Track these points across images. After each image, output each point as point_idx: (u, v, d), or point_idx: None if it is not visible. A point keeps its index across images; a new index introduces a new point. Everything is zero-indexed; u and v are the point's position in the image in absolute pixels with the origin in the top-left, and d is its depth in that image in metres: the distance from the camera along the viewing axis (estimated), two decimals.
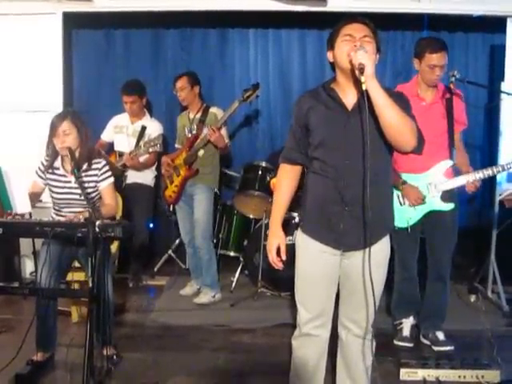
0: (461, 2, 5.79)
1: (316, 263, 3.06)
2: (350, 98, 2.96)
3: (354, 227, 2.95)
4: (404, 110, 2.83)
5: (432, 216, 4.36)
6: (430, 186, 4.31)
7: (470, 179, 4.28)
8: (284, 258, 3.10)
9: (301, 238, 3.14)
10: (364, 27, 2.91)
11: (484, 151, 6.86)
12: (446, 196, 4.33)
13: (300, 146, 3.09)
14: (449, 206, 4.34)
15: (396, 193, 4.30)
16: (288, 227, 5.32)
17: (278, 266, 3.11)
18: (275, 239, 3.12)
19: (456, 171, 4.39)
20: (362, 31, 2.89)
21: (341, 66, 2.90)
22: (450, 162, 4.35)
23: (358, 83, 2.80)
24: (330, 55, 3.00)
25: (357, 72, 2.72)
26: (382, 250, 3.07)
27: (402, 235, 4.34)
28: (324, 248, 3.03)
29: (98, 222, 3.43)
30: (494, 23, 6.20)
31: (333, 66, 3.02)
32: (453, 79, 4.24)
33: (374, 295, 2.87)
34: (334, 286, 3.13)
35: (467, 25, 6.53)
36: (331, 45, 2.97)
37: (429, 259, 4.52)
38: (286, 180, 3.18)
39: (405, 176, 4.29)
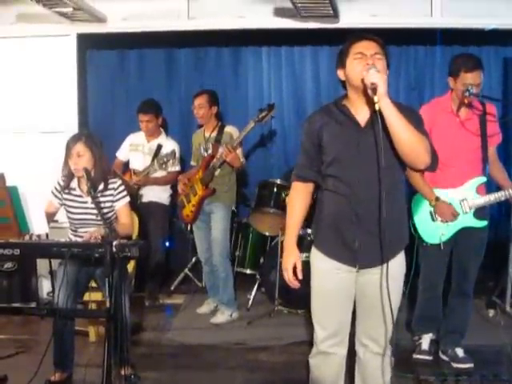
0: (473, 16, 5.79)
1: (331, 281, 3.05)
2: (362, 114, 2.96)
3: (369, 244, 2.94)
4: (416, 127, 2.83)
5: (463, 232, 4.30)
6: (463, 202, 4.25)
7: (503, 197, 4.23)
8: (300, 276, 3.08)
9: (315, 256, 3.13)
10: (374, 44, 2.91)
11: None
12: (479, 212, 4.28)
13: (312, 164, 3.08)
14: (481, 223, 4.29)
15: (429, 209, 4.28)
16: (303, 244, 5.35)
17: (295, 284, 3.10)
18: (291, 258, 3.11)
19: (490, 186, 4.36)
20: (373, 48, 2.89)
21: (353, 84, 2.91)
22: (483, 179, 4.29)
23: (370, 101, 2.81)
24: (340, 73, 3.00)
25: (369, 91, 2.74)
26: (397, 265, 3.05)
27: (431, 252, 4.31)
28: (339, 266, 3.02)
29: (115, 242, 3.45)
30: (506, 36, 6.20)
31: (343, 83, 3.02)
32: (467, 94, 4.21)
33: (391, 312, 2.86)
34: (350, 303, 3.12)
35: (480, 38, 6.50)
36: (342, 63, 2.97)
37: (454, 275, 4.46)
38: (298, 198, 3.17)
39: (437, 191, 4.24)
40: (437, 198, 4.23)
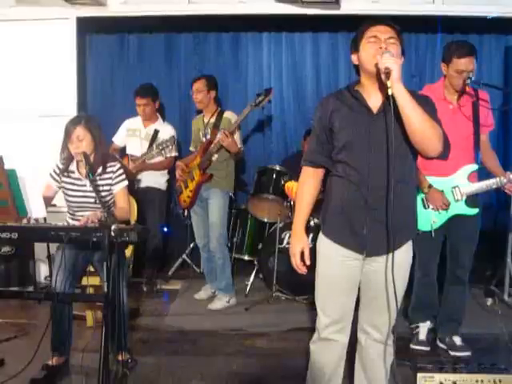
0: (475, 4, 5.78)
1: (338, 268, 3.04)
2: (374, 100, 2.92)
3: (378, 231, 2.92)
4: (430, 115, 2.80)
5: (455, 220, 4.32)
6: (455, 189, 4.27)
7: (495, 185, 4.24)
8: (308, 262, 3.08)
9: (323, 242, 3.11)
10: (389, 29, 2.87)
11: (499, 153, 6.78)
12: (471, 200, 4.29)
13: (323, 149, 3.05)
14: (473, 211, 4.30)
15: (420, 196, 4.28)
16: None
17: (302, 270, 3.09)
18: (299, 243, 3.10)
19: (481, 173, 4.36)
20: (388, 33, 2.86)
21: (366, 68, 2.88)
22: (474, 166, 4.30)
23: (383, 86, 2.78)
24: (354, 58, 2.97)
25: (383, 76, 2.71)
26: (404, 255, 3.04)
27: (424, 239, 4.29)
28: (346, 253, 3.00)
29: (113, 227, 3.42)
30: (508, 24, 6.19)
31: (357, 68, 3.00)
32: (468, 81, 4.19)
33: (396, 300, 2.86)
34: (355, 291, 3.11)
35: (481, 26, 6.50)
36: (356, 47, 2.94)
37: (449, 263, 4.48)
38: (308, 183, 3.14)
39: (430, 179, 4.24)
40: (429, 186, 4.23)
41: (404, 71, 6.81)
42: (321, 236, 3.13)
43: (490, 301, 5.61)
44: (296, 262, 3.09)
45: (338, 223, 3.03)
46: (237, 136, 5.52)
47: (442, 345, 4.53)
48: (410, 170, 3.02)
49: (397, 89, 2.69)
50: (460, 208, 4.29)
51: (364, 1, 5.82)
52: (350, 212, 2.97)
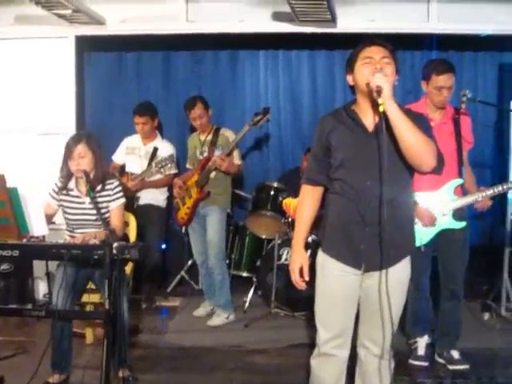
0: (469, 22, 5.83)
1: (337, 283, 3.07)
2: (370, 119, 2.99)
3: (375, 247, 2.96)
4: (423, 131, 2.85)
5: (444, 234, 4.37)
6: (441, 204, 4.32)
7: (480, 197, 4.31)
8: (307, 278, 3.12)
9: (322, 258, 3.15)
10: (383, 49, 2.94)
11: (494, 170, 6.87)
12: (457, 214, 4.35)
13: (322, 167, 3.11)
14: (460, 224, 4.35)
15: None
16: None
17: (301, 286, 3.13)
18: (298, 259, 3.14)
19: (464, 190, 4.41)
20: (381, 53, 2.92)
21: (361, 88, 2.94)
22: (459, 181, 4.36)
23: (376, 105, 2.83)
24: (349, 78, 3.03)
25: (374, 94, 2.77)
26: (402, 270, 3.09)
27: (414, 255, 4.33)
28: (345, 268, 3.04)
29: (115, 244, 3.46)
30: (501, 42, 6.26)
31: (352, 88, 3.05)
32: (464, 99, 4.28)
33: (391, 315, 2.89)
34: (354, 306, 3.14)
35: (475, 44, 6.56)
36: (351, 68, 3.00)
37: (442, 277, 4.51)
38: (307, 201, 3.19)
39: (415, 195, 4.29)
40: (415, 203, 4.28)
41: (400, 88, 6.94)
42: (320, 252, 3.18)
43: (487, 315, 5.62)
44: (295, 277, 3.13)
45: (336, 239, 3.08)
46: (236, 153, 5.57)
47: (440, 359, 4.54)
48: (406, 186, 3.08)
49: (389, 106, 2.75)
50: (447, 222, 4.34)
51: (360, 19, 5.87)
52: (348, 228, 3.01)
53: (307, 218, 3.19)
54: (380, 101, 2.74)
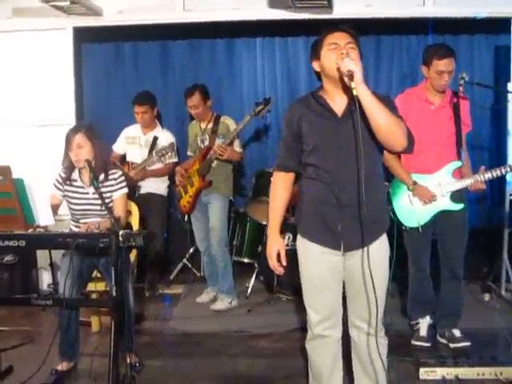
0: (464, 5, 5.85)
1: (319, 264, 3.14)
2: (339, 104, 3.05)
3: (352, 227, 3.03)
4: (392, 112, 2.93)
5: (442, 216, 4.43)
6: (440, 186, 4.38)
7: (479, 179, 4.36)
8: (284, 263, 3.19)
9: (301, 242, 3.22)
10: (347, 35, 3.00)
11: (492, 152, 6.90)
12: (456, 196, 4.41)
13: (292, 153, 3.17)
14: (458, 206, 4.41)
15: (406, 193, 4.40)
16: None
17: (279, 271, 3.20)
18: (275, 245, 3.21)
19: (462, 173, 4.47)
20: (346, 38, 2.98)
21: (329, 74, 2.99)
22: (458, 163, 4.42)
23: (346, 89, 2.92)
24: (315, 65, 3.09)
25: (346, 79, 2.83)
26: (380, 247, 3.14)
27: (413, 235, 4.44)
28: (324, 250, 3.11)
29: (121, 232, 3.50)
30: (497, 25, 6.27)
31: (318, 75, 3.11)
32: (462, 82, 4.33)
33: (374, 292, 2.93)
34: (340, 285, 3.20)
35: (471, 27, 6.59)
36: (316, 55, 3.05)
37: (441, 259, 4.57)
38: (280, 187, 3.26)
39: (415, 177, 4.36)
40: (414, 183, 4.34)
41: (396, 72, 7.00)
42: (298, 237, 3.24)
43: (487, 296, 5.69)
44: (273, 263, 3.20)
45: (312, 223, 3.14)
46: (237, 142, 5.62)
47: (442, 340, 4.60)
48: (378, 166, 3.15)
49: (361, 89, 2.81)
50: (446, 204, 4.41)
51: (356, 4, 5.89)
52: (324, 211, 3.07)
53: (281, 203, 3.26)
54: (353, 85, 2.79)
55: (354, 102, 2.83)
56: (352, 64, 2.81)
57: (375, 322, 3.11)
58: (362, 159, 2.84)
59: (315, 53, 3.07)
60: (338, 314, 3.23)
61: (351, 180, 2.97)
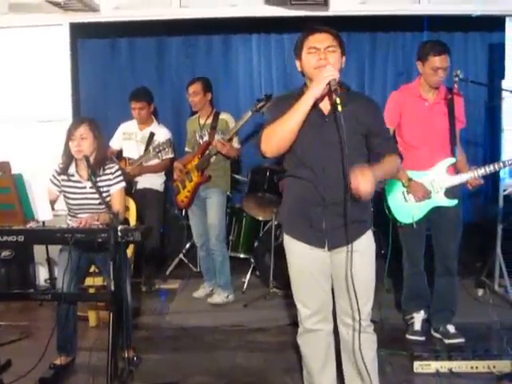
0: (459, 3, 5.88)
1: (306, 260, 3.17)
2: (325, 102, 3.05)
3: (336, 225, 3.05)
4: (380, 120, 3.10)
5: (436, 212, 4.48)
6: (434, 182, 4.43)
7: (473, 176, 4.41)
8: None
9: (287, 240, 3.24)
10: (327, 36, 3.00)
11: (486, 148, 6.96)
12: (450, 192, 4.45)
13: None
14: (452, 202, 4.46)
15: (401, 190, 4.44)
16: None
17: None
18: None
19: (456, 169, 4.52)
20: (326, 41, 2.98)
21: (309, 76, 3.03)
22: (452, 160, 4.47)
23: (330, 93, 2.91)
24: (298, 64, 3.11)
25: (333, 95, 2.83)
26: (366, 242, 3.16)
27: (408, 231, 4.50)
28: (310, 247, 3.14)
29: (119, 227, 3.53)
30: (491, 22, 6.31)
31: (302, 73, 3.12)
32: (456, 79, 4.38)
33: (354, 289, 2.95)
34: (328, 280, 3.23)
35: (466, 25, 6.62)
36: (298, 55, 3.09)
37: (436, 254, 4.62)
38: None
39: (409, 173, 4.41)
40: (409, 179, 4.39)
41: (391, 69, 7.02)
42: (284, 234, 3.27)
43: (481, 291, 5.74)
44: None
45: (297, 221, 3.16)
46: (235, 139, 5.65)
47: (436, 334, 4.66)
48: (363, 163, 3.08)
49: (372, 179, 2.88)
50: (440, 200, 4.46)
51: (352, 1, 5.90)
52: (308, 209, 3.09)
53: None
54: (338, 100, 2.80)
55: (337, 116, 2.84)
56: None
57: (364, 317, 3.14)
58: (346, 161, 2.88)
59: (296, 53, 3.10)
60: (328, 308, 3.27)
61: (336, 179, 2.99)
